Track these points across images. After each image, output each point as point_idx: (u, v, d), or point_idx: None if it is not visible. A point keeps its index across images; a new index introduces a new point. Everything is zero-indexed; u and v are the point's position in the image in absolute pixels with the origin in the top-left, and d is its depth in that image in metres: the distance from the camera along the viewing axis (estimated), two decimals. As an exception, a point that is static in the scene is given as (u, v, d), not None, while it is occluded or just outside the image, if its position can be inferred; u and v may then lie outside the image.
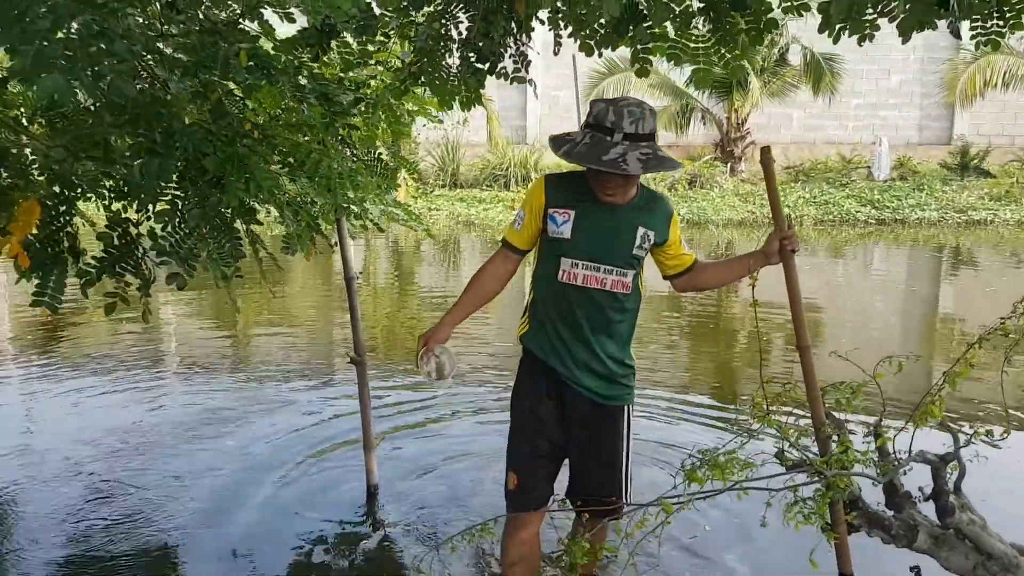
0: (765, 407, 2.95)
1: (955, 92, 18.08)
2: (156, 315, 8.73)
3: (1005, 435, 2.88)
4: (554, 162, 19.51)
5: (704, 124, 19.50)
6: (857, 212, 16.32)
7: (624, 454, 2.96)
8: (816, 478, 2.98)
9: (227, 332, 8.41)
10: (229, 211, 2.78)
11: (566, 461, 3.05)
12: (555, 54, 3.14)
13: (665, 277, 3.05)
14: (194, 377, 6.47)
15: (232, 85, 2.97)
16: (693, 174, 18.32)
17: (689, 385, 6.35)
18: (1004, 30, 2.70)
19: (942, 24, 2.74)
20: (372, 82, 3.38)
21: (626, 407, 2.96)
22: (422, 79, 3.02)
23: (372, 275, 11.87)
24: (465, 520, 3.95)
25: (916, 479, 3.21)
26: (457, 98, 3.02)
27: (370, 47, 3.16)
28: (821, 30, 2.72)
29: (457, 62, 3.02)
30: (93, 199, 3.06)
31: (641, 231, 2.79)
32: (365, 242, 14.21)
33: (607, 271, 2.77)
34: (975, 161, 18.67)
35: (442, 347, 2.89)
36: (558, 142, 2.71)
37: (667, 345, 7.72)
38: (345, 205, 3.47)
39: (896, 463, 3.02)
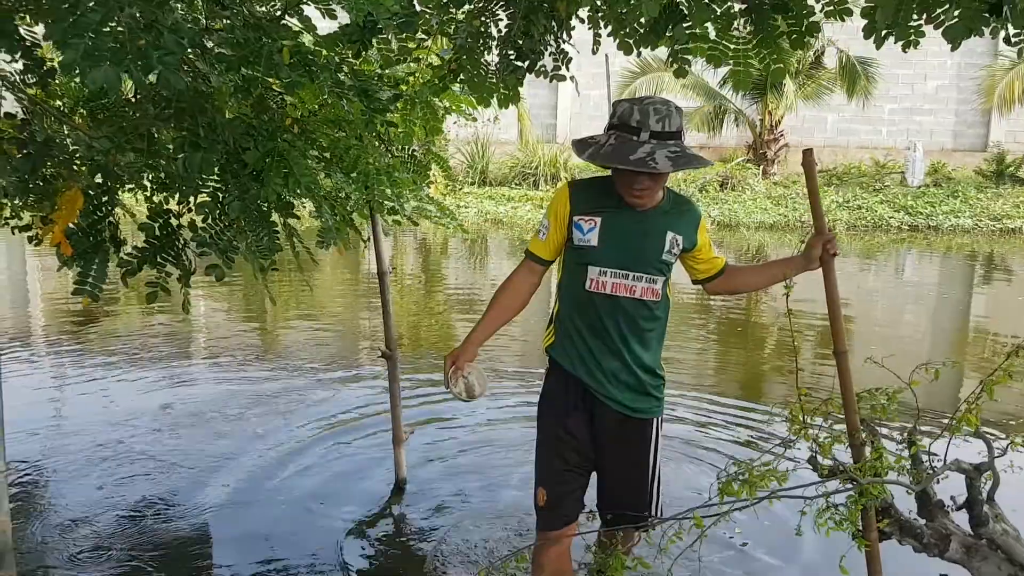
0: (802, 419, 2.93)
1: (993, 98, 17.83)
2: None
3: (1042, 446, 2.84)
4: (584, 162, 19.47)
5: (737, 126, 19.36)
6: (890, 218, 16.15)
7: (654, 468, 2.89)
8: (849, 485, 2.96)
9: (257, 323, 8.49)
10: (267, 205, 2.81)
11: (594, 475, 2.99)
12: (594, 52, 3.13)
13: (695, 281, 2.98)
14: (223, 366, 6.54)
15: (272, 82, 3.01)
16: (725, 176, 18.20)
17: (719, 384, 6.32)
18: (1048, 36, 2.65)
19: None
20: (410, 79, 3.41)
21: (656, 420, 2.88)
22: (461, 76, 3.03)
23: (400, 270, 11.92)
24: (494, 515, 3.97)
25: (948, 488, 3.18)
26: (495, 96, 3.02)
27: (410, 44, 3.18)
28: (867, 36, 2.68)
29: (496, 60, 3.03)
30: (134, 190, 3.12)
31: (670, 235, 2.71)
32: (394, 237, 14.26)
33: (636, 278, 2.68)
34: (1011, 169, 18.38)
35: (471, 366, 2.83)
36: (582, 145, 2.63)
37: (697, 346, 7.69)
38: (381, 200, 3.49)
39: (931, 471, 3.00)
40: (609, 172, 2.71)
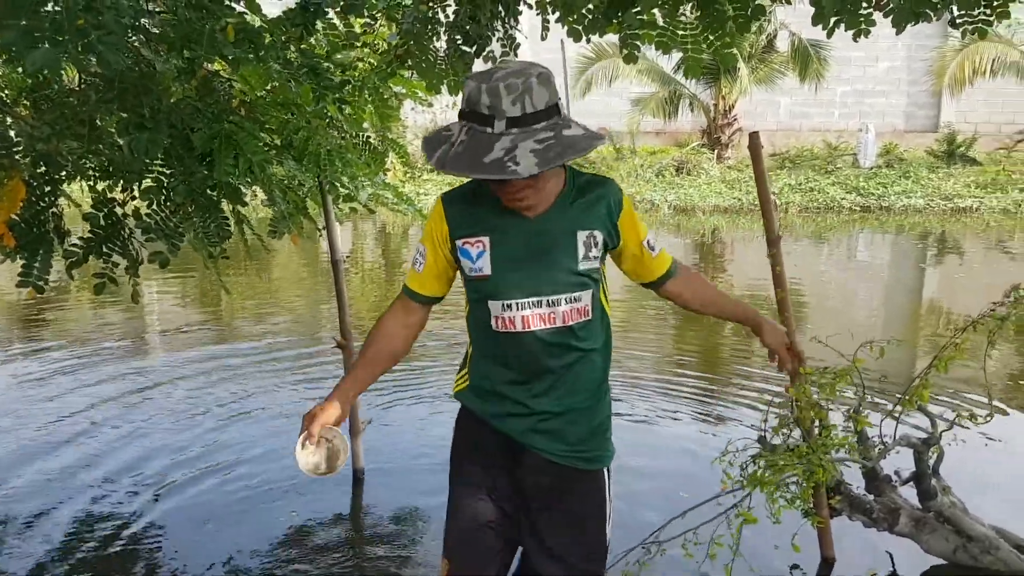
0: (812, 395, 2.95)
1: (943, 79, 18.13)
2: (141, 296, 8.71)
3: (988, 418, 2.93)
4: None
5: (692, 111, 19.48)
6: (842, 199, 16.37)
7: (606, 524, 2.30)
8: (800, 463, 3.01)
9: (211, 315, 8.39)
10: (215, 192, 2.77)
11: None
12: (542, 39, 3.13)
13: (644, 284, 2.33)
14: (176, 359, 6.45)
15: (219, 65, 2.97)
16: (681, 160, 18.33)
17: (678, 369, 6.39)
18: (991, 19, 2.71)
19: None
20: (359, 64, 3.38)
21: (605, 471, 2.29)
22: (409, 62, 3.01)
23: (360, 259, 11.84)
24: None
25: (892, 462, 3.25)
26: (445, 82, 3.01)
27: (356, 28, 3.15)
28: (815, 23, 2.71)
29: (444, 45, 3.01)
30: (79, 180, 3.07)
31: (582, 235, 2.07)
32: (353, 225, 14.15)
33: (553, 303, 2.07)
34: (961, 149, 18.73)
35: (333, 430, 2.14)
36: (432, 144, 1.92)
37: (656, 331, 7.76)
38: (334, 183, 3.45)
39: (882, 447, 3.07)
40: None
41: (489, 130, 1.83)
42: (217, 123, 2.61)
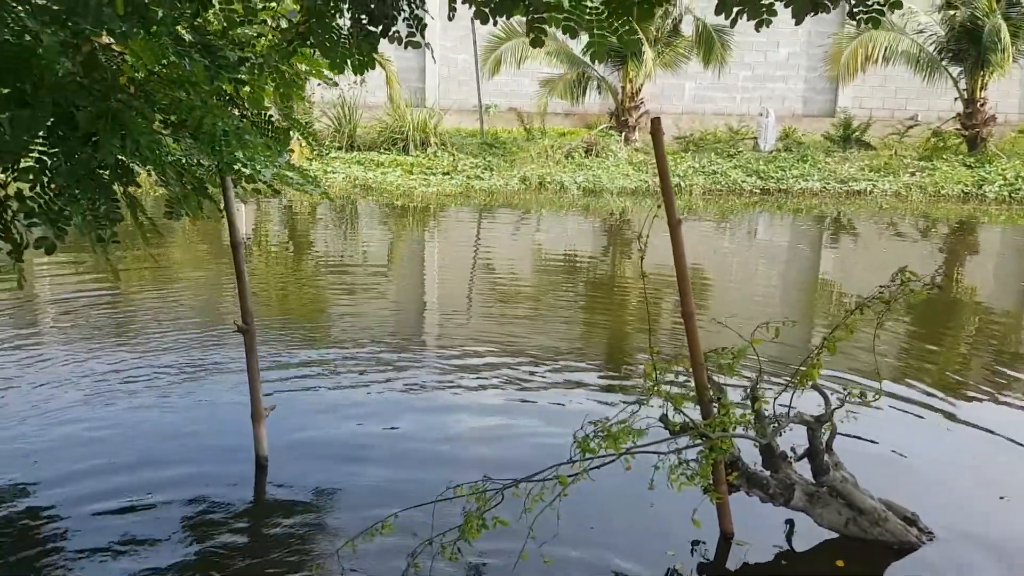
0: (656, 377, 3.04)
1: (839, 66, 18.73)
2: (32, 281, 8.33)
3: (877, 397, 3.05)
4: (455, 126, 19.37)
5: (600, 93, 19.65)
6: (743, 182, 16.79)
7: None
8: (700, 441, 3.10)
9: (111, 299, 8.07)
10: (106, 172, 2.64)
11: None
12: (450, 19, 3.09)
13: None
14: (73, 346, 6.19)
15: (108, 39, 2.83)
16: (590, 142, 18.48)
17: (582, 353, 6.46)
18: (884, 8, 2.82)
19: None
20: (261, 41, 3.26)
21: None
22: (310, 40, 2.92)
23: (265, 239, 11.56)
24: (356, 489, 3.94)
25: (787, 440, 3.36)
26: (349, 61, 2.93)
27: (256, 3, 3.05)
28: (718, 12, 2.75)
29: (348, 23, 2.94)
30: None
31: None
32: (257, 205, 13.81)
33: None
34: (856, 133, 19.41)
35: None
36: None
37: (559, 313, 7.82)
38: (235, 166, 3.34)
39: (777, 424, 3.17)
40: None
41: None
42: (104, 101, 2.48)
